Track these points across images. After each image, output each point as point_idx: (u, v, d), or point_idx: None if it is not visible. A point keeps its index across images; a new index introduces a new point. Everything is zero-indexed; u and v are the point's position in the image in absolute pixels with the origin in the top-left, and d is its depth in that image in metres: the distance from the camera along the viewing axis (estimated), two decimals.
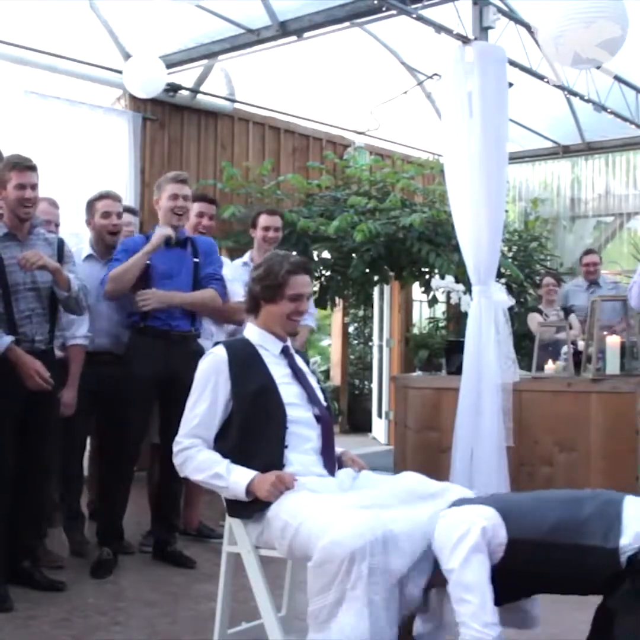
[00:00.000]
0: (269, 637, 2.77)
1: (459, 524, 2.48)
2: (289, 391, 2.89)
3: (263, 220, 5.01)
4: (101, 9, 6.60)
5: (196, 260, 4.40)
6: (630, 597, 2.32)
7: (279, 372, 2.93)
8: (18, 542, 3.89)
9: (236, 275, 4.82)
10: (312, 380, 3.03)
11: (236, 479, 2.73)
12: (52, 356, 3.96)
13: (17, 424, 3.79)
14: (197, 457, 2.81)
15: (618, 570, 2.34)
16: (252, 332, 3.01)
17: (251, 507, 2.75)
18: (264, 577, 2.80)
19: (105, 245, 4.45)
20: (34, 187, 3.84)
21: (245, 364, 2.88)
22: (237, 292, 4.93)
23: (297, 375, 2.97)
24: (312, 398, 2.94)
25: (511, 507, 2.52)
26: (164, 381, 4.28)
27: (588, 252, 7.56)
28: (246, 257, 5.08)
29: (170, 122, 7.34)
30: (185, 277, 4.34)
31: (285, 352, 3.00)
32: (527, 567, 2.46)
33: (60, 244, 4.03)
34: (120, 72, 6.71)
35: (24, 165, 3.83)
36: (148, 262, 4.28)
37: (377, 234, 6.65)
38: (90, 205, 4.47)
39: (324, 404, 2.98)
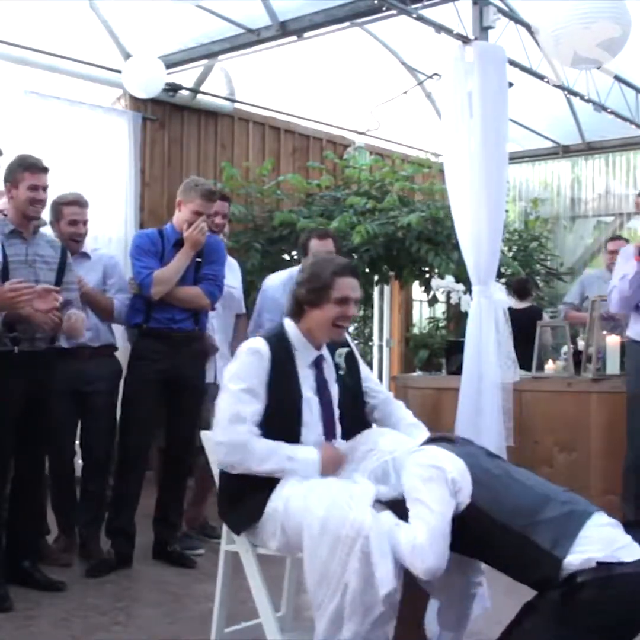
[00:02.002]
0: (267, 636, 2.78)
1: (428, 468, 2.49)
2: (308, 407, 2.84)
3: (314, 245, 4.57)
4: (101, 8, 6.59)
5: (199, 259, 4.36)
6: (549, 607, 2.32)
7: (306, 384, 2.85)
8: (18, 541, 3.89)
9: (278, 299, 4.63)
10: (335, 391, 2.93)
11: (305, 456, 2.71)
12: (53, 357, 3.94)
13: (16, 424, 3.79)
14: (256, 448, 2.69)
15: (553, 578, 2.32)
16: (292, 333, 2.87)
17: (247, 520, 2.76)
18: (262, 575, 2.81)
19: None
20: (45, 189, 3.88)
21: (281, 369, 2.79)
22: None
23: (321, 390, 2.88)
24: (327, 420, 2.87)
25: (483, 474, 2.51)
26: (169, 381, 4.29)
27: (614, 238, 6.92)
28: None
29: (170, 122, 7.34)
30: (187, 275, 4.31)
31: (316, 362, 2.90)
32: (476, 534, 2.47)
33: (64, 249, 4.03)
34: (120, 72, 6.71)
35: (38, 167, 3.86)
36: None
37: (376, 235, 6.65)
38: (57, 208, 4.36)
39: (338, 429, 2.91)
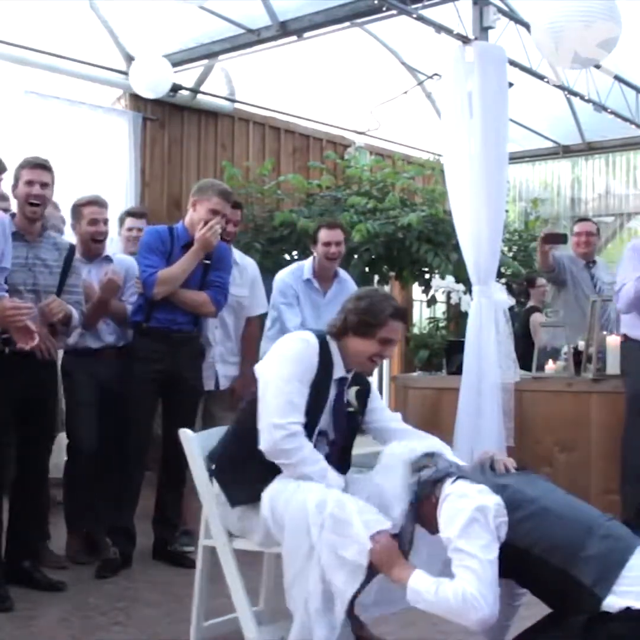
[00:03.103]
0: (243, 630, 2.81)
1: (468, 512, 2.39)
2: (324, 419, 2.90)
3: (323, 235, 4.79)
4: (101, 8, 6.59)
5: (207, 262, 4.29)
6: (572, 627, 2.29)
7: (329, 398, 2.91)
8: (19, 541, 3.89)
9: (290, 284, 4.77)
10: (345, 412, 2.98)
11: (334, 481, 2.74)
12: (50, 358, 3.92)
13: (17, 424, 3.79)
14: (305, 449, 2.72)
15: (590, 612, 2.27)
16: (331, 346, 2.91)
17: (246, 499, 2.79)
18: (239, 570, 2.86)
19: (89, 250, 4.38)
20: (43, 185, 3.81)
21: (322, 370, 2.83)
22: (260, 301, 4.88)
23: (336, 405, 2.92)
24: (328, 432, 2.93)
25: (520, 509, 2.42)
26: (169, 381, 4.29)
27: (581, 219, 6.55)
28: (307, 271, 4.90)
29: (170, 122, 7.34)
30: (193, 277, 4.27)
31: (341, 380, 2.93)
32: (512, 566, 2.42)
33: (71, 252, 3.99)
34: (120, 72, 6.73)
35: (35, 163, 3.81)
36: None
37: (376, 234, 6.65)
38: (76, 210, 4.39)
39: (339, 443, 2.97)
